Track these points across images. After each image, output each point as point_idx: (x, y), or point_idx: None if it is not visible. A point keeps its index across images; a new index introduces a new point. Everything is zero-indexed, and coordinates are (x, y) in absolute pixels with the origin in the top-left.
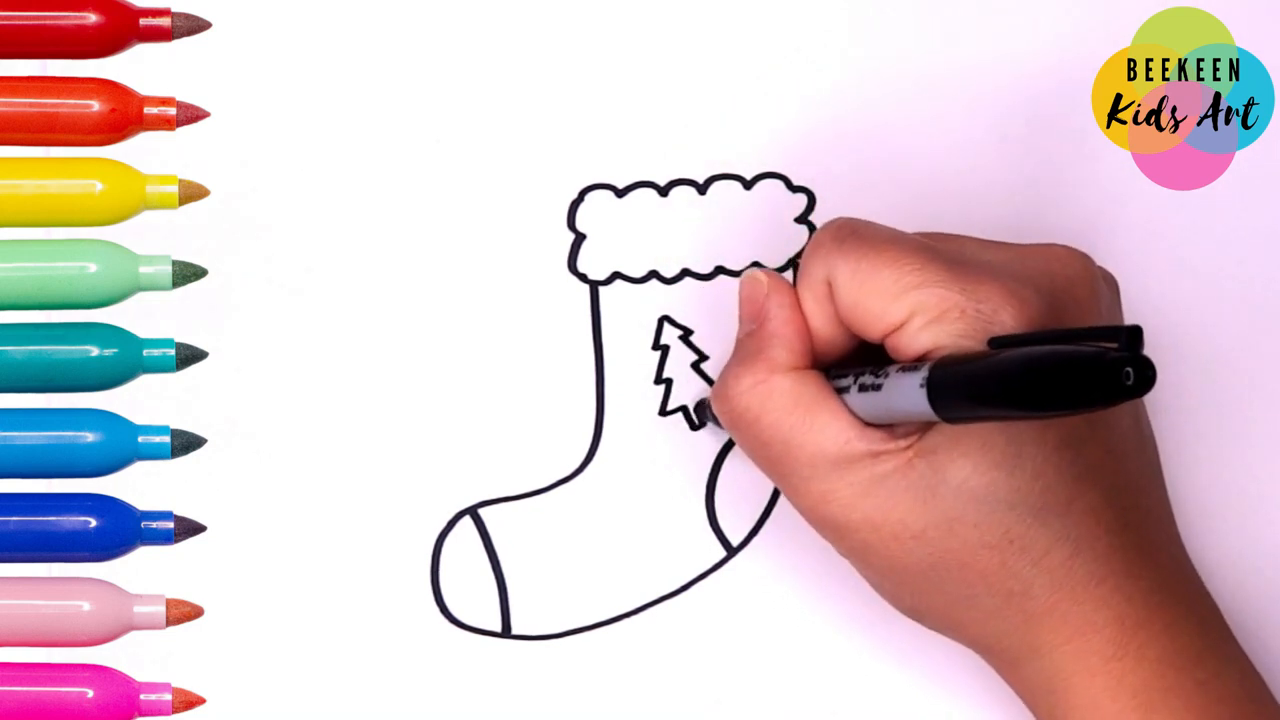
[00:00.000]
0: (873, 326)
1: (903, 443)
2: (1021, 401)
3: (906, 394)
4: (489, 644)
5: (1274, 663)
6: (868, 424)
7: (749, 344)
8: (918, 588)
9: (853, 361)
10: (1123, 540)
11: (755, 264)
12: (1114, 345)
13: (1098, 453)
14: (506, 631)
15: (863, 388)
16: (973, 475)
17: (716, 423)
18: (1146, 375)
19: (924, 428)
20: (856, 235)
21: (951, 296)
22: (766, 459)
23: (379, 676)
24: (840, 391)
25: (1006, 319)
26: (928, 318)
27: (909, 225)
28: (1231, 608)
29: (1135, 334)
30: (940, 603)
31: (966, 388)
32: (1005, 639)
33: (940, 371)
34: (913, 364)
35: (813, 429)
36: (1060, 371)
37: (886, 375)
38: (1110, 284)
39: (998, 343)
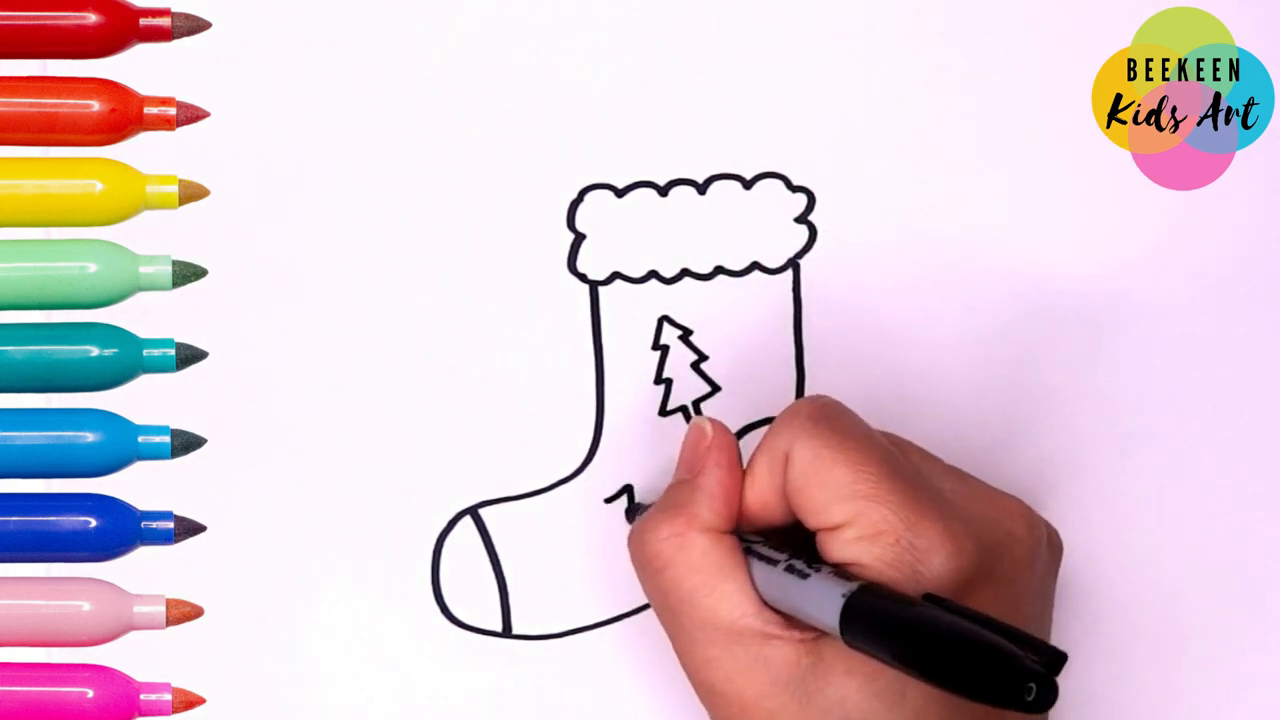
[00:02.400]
0: (812, 516)
1: (796, 634)
2: (922, 666)
3: (824, 599)
4: (489, 644)
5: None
6: (768, 605)
7: (677, 493)
8: None
9: (784, 534)
10: None
11: (702, 416)
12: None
13: (982, 710)
14: (507, 631)
15: (790, 569)
16: (853, 697)
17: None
18: (1046, 698)
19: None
20: (830, 421)
21: (891, 520)
22: (663, 608)
23: (379, 676)
24: (764, 561)
25: (937, 562)
26: (861, 532)
27: (908, 227)
28: (1234, 606)
29: (1057, 659)
30: None
31: (879, 627)
32: None
33: (863, 597)
34: (843, 573)
35: (713, 595)
36: (971, 656)
37: (818, 570)
38: (1054, 550)
39: (931, 598)
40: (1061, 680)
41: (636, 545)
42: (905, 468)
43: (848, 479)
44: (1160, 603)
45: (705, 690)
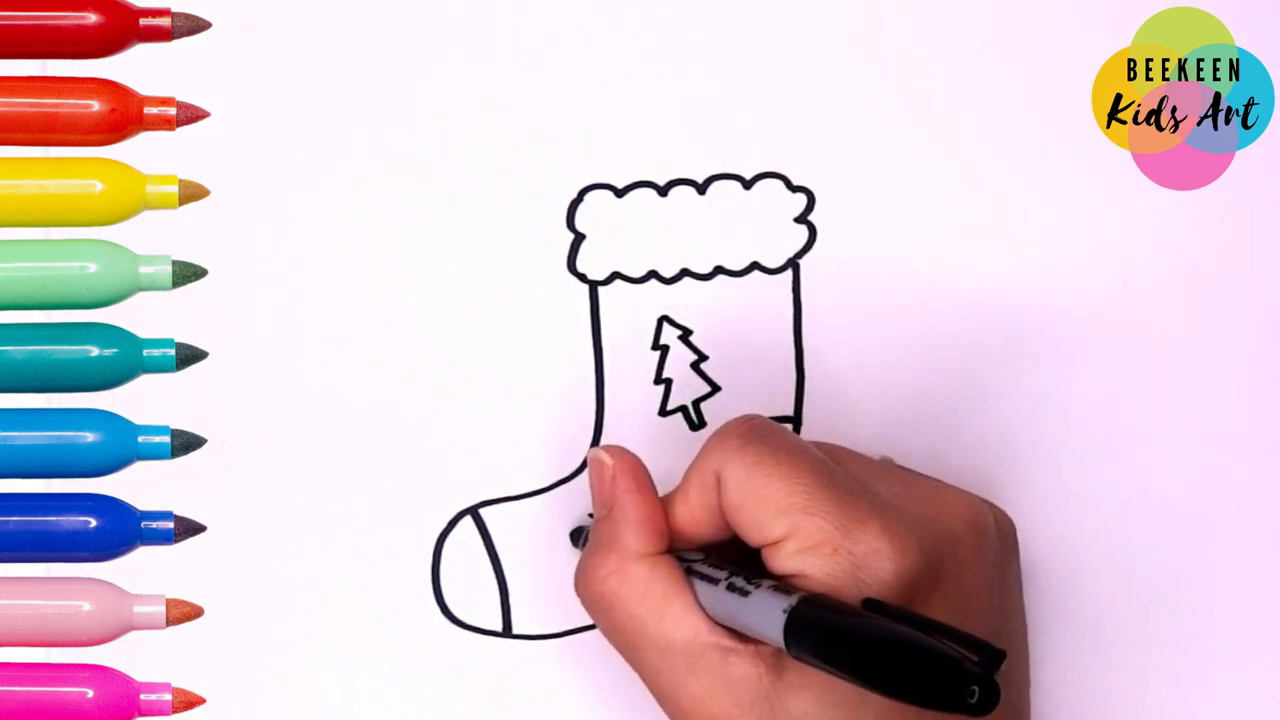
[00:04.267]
0: (752, 533)
1: (753, 645)
2: (866, 676)
3: (767, 615)
4: (489, 644)
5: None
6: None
7: (601, 531)
8: None
9: (723, 550)
10: None
11: (597, 447)
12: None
13: (938, 716)
14: (507, 631)
15: (731, 587)
16: (814, 710)
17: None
18: (989, 700)
19: None
20: (760, 440)
21: (828, 530)
22: (622, 645)
23: (380, 676)
24: (706, 580)
25: (879, 567)
26: (801, 544)
27: (908, 229)
28: (1232, 608)
29: (996, 656)
30: None
31: (822, 639)
32: None
33: (805, 610)
34: (785, 586)
35: (664, 620)
36: (911, 663)
37: (758, 586)
38: (1006, 537)
39: (872, 605)
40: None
41: (582, 591)
42: (840, 476)
43: (782, 493)
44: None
45: (677, 715)
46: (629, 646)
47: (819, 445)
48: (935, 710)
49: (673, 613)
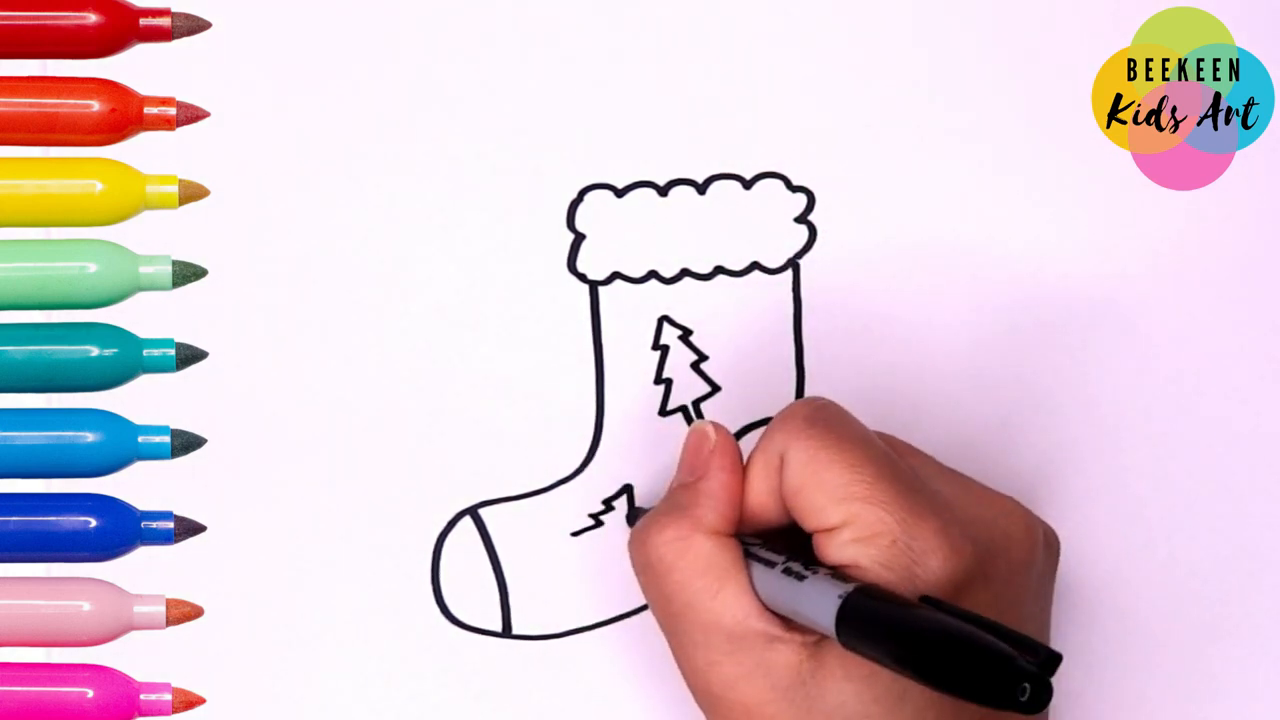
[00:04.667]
0: (809, 518)
1: (798, 636)
2: (918, 667)
3: (820, 601)
4: (489, 644)
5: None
6: (768, 609)
7: (681, 495)
8: None
9: (780, 536)
10: None
11: (703, 419)
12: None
13: (987, 715)
14: (507, 631)
15: (787, 571)
16: (851, 701)
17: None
18: (1041, 698)
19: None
20: (827, 423)
21: (887, 522)
22: (665, 613)
23: (379, 676)
24: (762, 564)
25: (934, 563)
26: (858, 534)
27: (908, 227)
28: (1233, 611)
29: (1052, 659)
30: None
31: (875, 629)
32: None
33: (859, 599)
34: (840, 575)
35: (717, 598)
36: (966, 657)
37: (815, 572)
38: (1051, 548)
39: (928, 600)
40: (1060, 680)
41: (639, 548)
42: (902, 469)
43: (844, 480)
44: (1158, 603)
45: (704, 695)
46: (672, 616)
47: (881, 436)
48: (987, 706)
49: (727, 593)
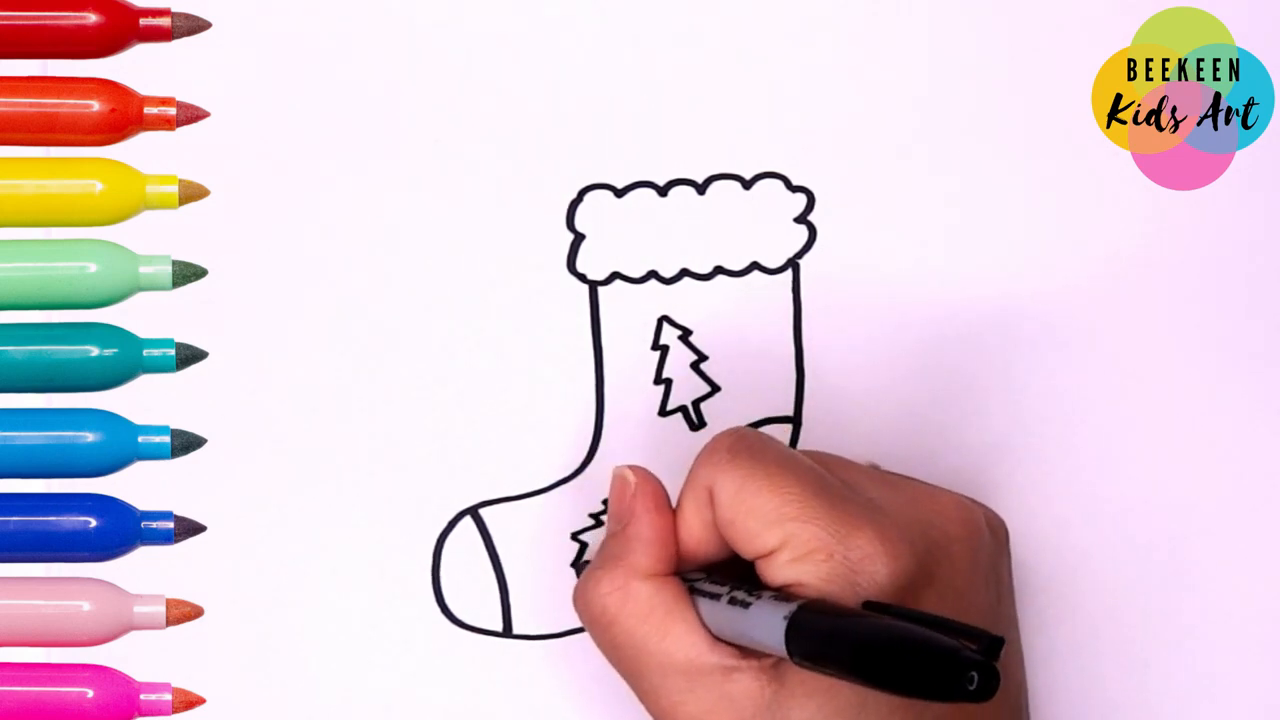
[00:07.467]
0: (746, 546)
1: (754, 661)
2: (867, 674)
3: (768, 624)
4: (490, 644)
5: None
6: (719, 639)
7: (612, 545)
8: None
9: (724, 568)
10: None
11: (620, 465)
12: (973, 645)
13: (948, 711)
14: (507, 631)
15: (733, 601)
16: (816, 717)
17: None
18: (989, 685)
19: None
20: (749, 451)
21: (822, 537)
22: (620, 663)
23: (379, 676)
24: (707, 597)
25: (874, 571)
26: (795, 553)
27: (908, 228)
28: (1228, 606)
29: (995, 644)
30: None
31: (823, 642)
32: None
33: (804, 615)
34: (784, 596)
35: (666, 639)
36: (910, 656)
37: (759, 598)
38: (997, 534)
39: (871, 605)
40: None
41: (581, 604)
42: (831, 483)
43: (774, 504)
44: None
45: None
46: (627, 663)
47: (808, 453)
48: (937, 701)
49: (675, 632)
